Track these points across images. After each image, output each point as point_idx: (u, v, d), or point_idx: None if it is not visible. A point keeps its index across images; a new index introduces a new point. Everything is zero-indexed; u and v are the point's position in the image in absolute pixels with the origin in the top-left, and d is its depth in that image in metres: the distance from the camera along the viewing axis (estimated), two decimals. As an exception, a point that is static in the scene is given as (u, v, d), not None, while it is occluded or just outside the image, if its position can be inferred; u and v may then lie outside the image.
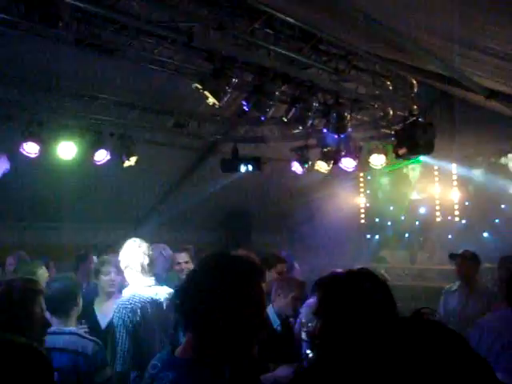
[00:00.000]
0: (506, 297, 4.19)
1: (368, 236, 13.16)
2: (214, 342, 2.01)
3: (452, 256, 6.90)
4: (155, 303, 4.43)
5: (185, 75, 6.93)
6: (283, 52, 5.97)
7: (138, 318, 4.31)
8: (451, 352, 1.00)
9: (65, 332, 3.78)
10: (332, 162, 9.11)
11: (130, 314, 4.29)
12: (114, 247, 8.45)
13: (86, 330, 4.46)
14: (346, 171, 9.46)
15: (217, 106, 5.85)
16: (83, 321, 4.54)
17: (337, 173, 10.09)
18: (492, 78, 6.75)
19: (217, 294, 2.00)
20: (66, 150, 7.85)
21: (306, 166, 9.45)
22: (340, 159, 8.95)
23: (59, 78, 7.57)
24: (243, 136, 9.97)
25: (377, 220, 13.07)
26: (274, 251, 7.38)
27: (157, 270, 5.10)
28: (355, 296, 2.19)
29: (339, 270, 2.99)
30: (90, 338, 3.89)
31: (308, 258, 11.58)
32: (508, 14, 4.03)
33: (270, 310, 4.72)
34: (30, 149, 7.56)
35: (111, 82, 7.96)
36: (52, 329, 3.76)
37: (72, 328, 3.86)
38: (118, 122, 8.41)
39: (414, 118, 8.02)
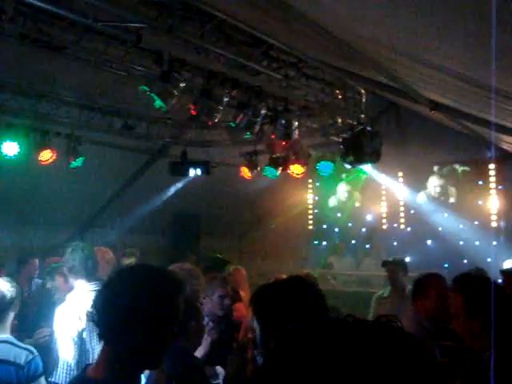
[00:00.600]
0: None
1: (316, 242, 13.27)
2: (125, 356, 1.97)
3: (384, 263, 7.06)
4: None
5: (134, 77, 6.85)
6: (233, 57, 5.98)
7: (82, 325, 4.20)
8: (416, 358, 0.99)
9: None
10: (281, 168, 9.17)
11: (73, 321, 4.18)
12: (59, 250, 8.32)
13: (48, 334, 4.33)
14: (294, 177, 9.53)
15: (164, 110, 5.79)
16: (43, 324, 4.43)
17: (286, 179, 10.16)
18: (436, 90, 6.93)
19: (127, 307, 1.96)
20: (10, 148, 7.65)
21: (255, 171, 9.50)
22: (289, 165, 9.01)
23: (4, 75, 7.38)
24: (193, 140, 9.92)
25: (324, 226, 13.20)
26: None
27: (100, 274, 5.01)
28: (286, 304, 2.21)
29: (283, 277, 2.99)
30: (24, 346, 3.71)
31: (256, 263, 11.62)
32: (449, 31, 4.16)
33: None
34: (-29, 147, 7.35)
35: (59, 80, 7.80)
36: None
37: (4, 336, 3.66)
38: (65, 121, 8.25)
39: (362, 127, 8.15)
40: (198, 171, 9.82)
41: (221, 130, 9.16)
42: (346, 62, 6.90)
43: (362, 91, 7.76)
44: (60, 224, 11.26)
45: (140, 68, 6.53)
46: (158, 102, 5.59)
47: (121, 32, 5.38)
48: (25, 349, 3.65)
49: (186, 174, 9.79)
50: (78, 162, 8.33)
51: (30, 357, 3.59)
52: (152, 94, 5.53)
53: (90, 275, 4.46)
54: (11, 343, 3.65)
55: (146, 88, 5.55)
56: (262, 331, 2.22)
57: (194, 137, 9.94)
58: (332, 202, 13.16)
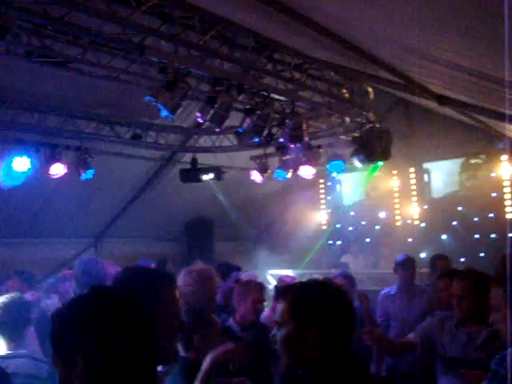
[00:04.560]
0: None
1: (330, 242, 13.23)
2: None
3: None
4: None
5: (140, 87, 6.86)
6: (237, 62, 5.97)
7: None
8: None
9: (17, 356, 3.64)
10: (291, 170, 9.14)
11: None
12: (73, 262, 8.35)
13: None
14: (305, 179, 9.52)
15: (170, 119, 5.79)
16: None
17: (297, 180, 10.14)
18: (445, 85, 6.89)
19: None
20: (21, 164, 7.68)
21: (266, 174, 9.49)
22: (299, 167, 8.97)
23: (13, 92, 7.42)
24: (202, 146, 9.92)
25: (338, 226, 13.16)
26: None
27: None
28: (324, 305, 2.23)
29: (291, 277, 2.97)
30: (44, 360, 3.74)
31: (270, 265, 11.59)
32: (459, 26, 4.14)
33: (231, 322, 4.64)
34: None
35: (66, 94, 7.83)
36: (4, 353, 3.67)
37: (25, 351, 3.72)
38: (73, 134, 8.28)
39: (371, 125, 8.11)
40: (210, 177, 9.83)
41: (230, 134, 9.15)
42: (352, 61, 6.88)
43: (370, 89, 7.72)
44: (75, 236, 11.32)
45: (145, 79, 6.55)
46: (164, 112, 5.58)
47: (123, 44, 5.39)
48: (46, 362, 3.69)
49: (197, 180, 9.78)
50: (88, 174, 8.34)
51: (52, 369, 3.60)
52: (158, 104, 5.51)
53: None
54: (32, 358, 3.70)
55: (151, 98, 5.53)
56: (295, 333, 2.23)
57: (203, 142, 9.94)
58: (344, 200, 13.12)
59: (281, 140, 7.69)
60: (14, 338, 3.71)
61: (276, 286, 5.63)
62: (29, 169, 7.71)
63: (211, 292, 3.90)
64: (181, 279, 3.76)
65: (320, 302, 2.25)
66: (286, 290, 2.44)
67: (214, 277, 4.31)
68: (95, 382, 1.53)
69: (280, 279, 5.79)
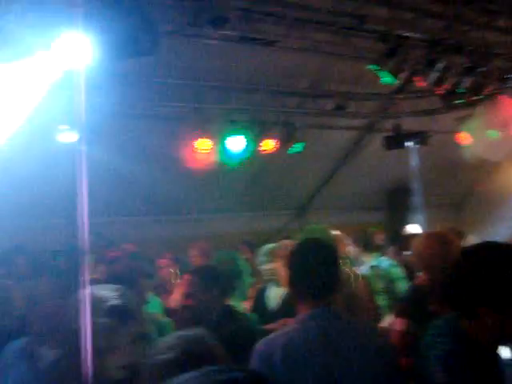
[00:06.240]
0: None
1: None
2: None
3: None
4: None
5: (340, 58, 6.87)
6: (448, 18, 5.72)
7: None
8: None
9: None
10: (504, 128, 8.55)
11: None
12: (283, 233, 8.69)
13: None
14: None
15: (393, 85, 5.76)
16: None
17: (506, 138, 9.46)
18: None
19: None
20: (235, 143, 8.12)
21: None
22: (512, 125, 8.36)
23: (221, 75, 7.87)
24: (404, 111, 9.68)
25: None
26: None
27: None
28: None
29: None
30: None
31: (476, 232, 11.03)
32: None
33: None
34: (202, 145, 7.94)
35: (268, 71, 8.12)
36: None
37: None
38: (279, 110, 8.56)
39: None
40: (414, 142, 9.58)
41: (432, 96, 8.79)
42: None
43: None
44: (278, 208, 11.75)
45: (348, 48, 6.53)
46: (387, 79, 5.63)
47: (335, 17, 5.45)
48: None
49: (401, 146, 9.60)
50: (297, 148, 8.58)
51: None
52: (382, 72, 5.56)
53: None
54: None
55: (375, 67, 5.60)
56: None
57: (405, 108, 9.69)
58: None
59: (500, 97, 7.21)
60: None
61: None
62: (244, 147, 8.14)
63: (450, 255, 3.87)
64: (421, 243, 3.88)
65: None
66: None
67: (454, 240, 4.23)
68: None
69: None
